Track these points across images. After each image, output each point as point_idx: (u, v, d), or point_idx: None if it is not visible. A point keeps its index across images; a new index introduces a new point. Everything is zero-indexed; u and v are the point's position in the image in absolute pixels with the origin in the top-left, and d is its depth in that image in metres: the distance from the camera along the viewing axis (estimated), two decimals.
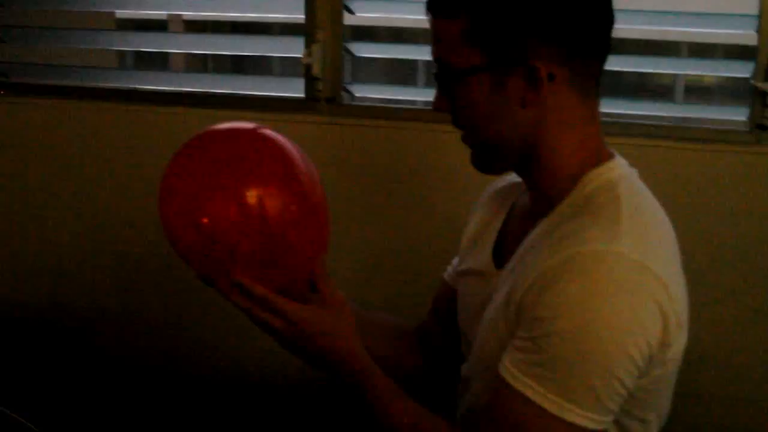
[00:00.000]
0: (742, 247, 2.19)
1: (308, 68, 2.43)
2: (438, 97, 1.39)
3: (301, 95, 2.50)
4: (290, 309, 1.32)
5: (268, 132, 1.45)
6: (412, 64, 11.06)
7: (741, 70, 2.27)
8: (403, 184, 2.42)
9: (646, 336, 1.20)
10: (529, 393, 1.21)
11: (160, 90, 2.70)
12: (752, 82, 2.19)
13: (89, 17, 3.46)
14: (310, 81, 2.46)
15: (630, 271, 1.19)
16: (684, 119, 2.49)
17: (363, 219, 2.45)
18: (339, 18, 2.43)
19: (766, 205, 2.19)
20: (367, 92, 2.56)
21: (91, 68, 2.89)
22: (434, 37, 1.34)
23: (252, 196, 1.34)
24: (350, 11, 2.44)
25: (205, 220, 1.34)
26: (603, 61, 1.35)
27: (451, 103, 1.36)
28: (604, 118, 1.41)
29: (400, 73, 11.22)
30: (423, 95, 2.50)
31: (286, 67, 10.88)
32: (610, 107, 2.22)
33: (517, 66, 1.27)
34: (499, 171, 1.49)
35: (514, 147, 1.35)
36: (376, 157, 2.43)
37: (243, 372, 2.66)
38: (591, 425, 1.20)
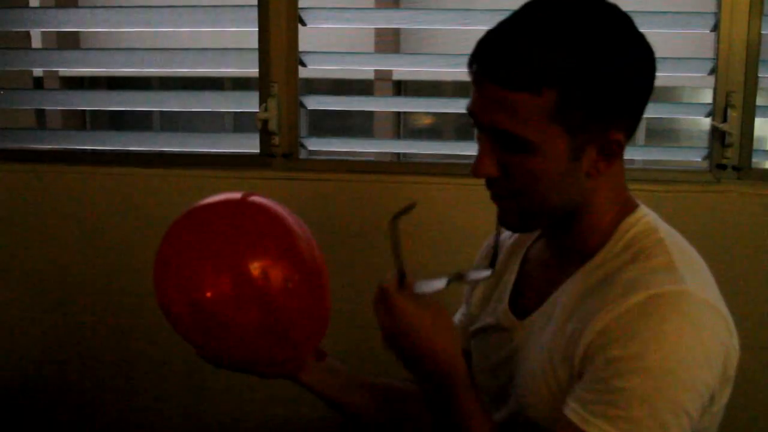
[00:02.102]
0: None
1: (264, 123, 2.40)
2: (487, 164, 1.29)
3: (256, 151, 2.47)
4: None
5: (259, 199, 1.44)
6: (367, 114, 11.18)
7: (698, 112, 2.29)
8: (364, 237, 2.40)
9: (713, 372, 1.22)
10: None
11: (108, 150, 2.65)
12: (712, 122, 2.20)
13: (4, 77, 3.40)
14: (266, 136, 2.43)
15: (700, 309, 1.21)
16: (645, 161, 2.50)
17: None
18: (294, 72, 2.41)
19: (727, 242, 2.24)
20: (323, 146, 2.53)
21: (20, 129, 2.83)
22: (498, 106, 1.23)
23: (251, 269, 1.32)
24: (303, 64, 2.41)
25: (209, 295, 1.31)
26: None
27: (507, 171, 1.29)
28: None
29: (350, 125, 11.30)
30: (379, 146, 2.48)
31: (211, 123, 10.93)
32: None
33: (597, 139, 1.26)
34: (533, 230, 1.47)
35: (561, 209, 1.33)
36: (336, 210, 2.41)
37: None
38: None
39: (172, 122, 11.90)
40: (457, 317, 1.71)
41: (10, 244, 2.65)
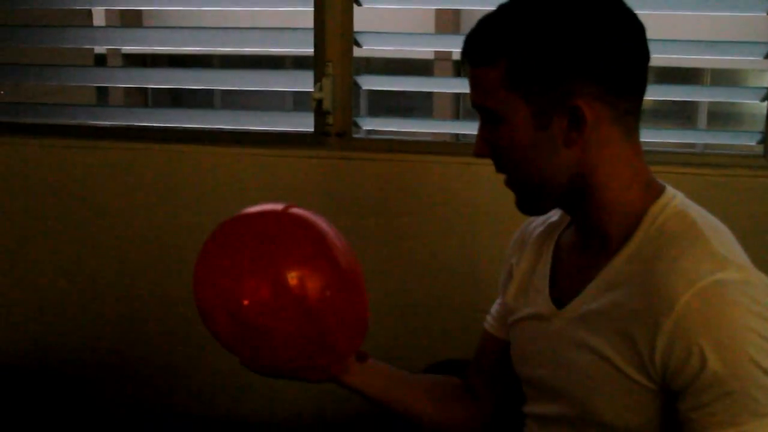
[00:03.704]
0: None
1: (318, 103, 2.42)
2: (480, 143, 1.39)
3: (310, 130, 2.49)
4: None
5: (299, 211, 1.47)
6: (427, 94, 11.13)
7: (754, 96, 2.27)
8: (416, 216, 2.40)
9: None
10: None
11: (169, 127, 2.69)
12: None
13: (68, 54, 3.45)
14: (320, 116, 2.45)
15: (750, 288, 1.21)
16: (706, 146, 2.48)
17: (376, 253, 2.43)
18: (349, 51, 2.42)
19: None
20: (377, 125, 2.54)
21: (96, 106, 2.88)
22: (473, 84, 1.35)
23: (289, 278, 1.36)
24: (358, 44, 2.43)
25: (246, 302, 1.35)
26: (641, 96, 1.36)
27: (494, 148, 1.37)
28: None
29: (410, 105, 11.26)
30: (436, 127, 2.48)
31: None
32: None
33: (560, 107, 1.28)
34: (545, 211, 1.48)
35: (560, 186, 1.35)
36: (388, 190, 2.41)
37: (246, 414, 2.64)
38: None
39: (234, 102, 11.98)
40: (494, 308, 1.73)
41: (68, 218, 2.70)
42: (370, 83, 2.49)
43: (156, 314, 2.64)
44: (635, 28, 1.32)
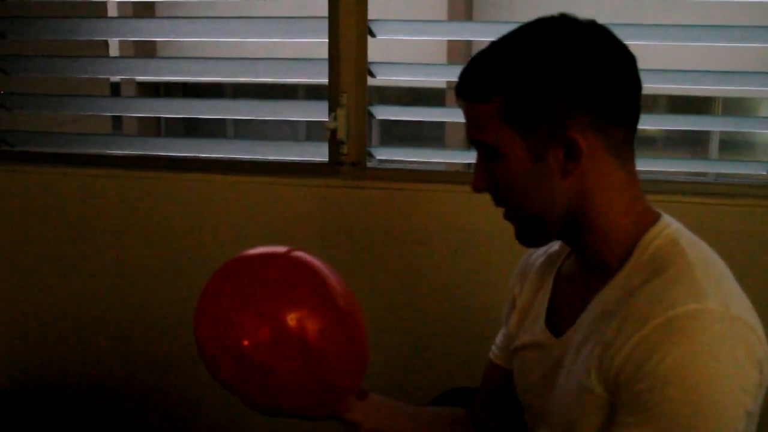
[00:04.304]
0: None
1: (333, 132, 2.44)
2: (478, 178, 1.41)
3: (325, 159, 2.51)
4: None
5: (301, 254, 1.51)
6: (439, 124, 11.16)
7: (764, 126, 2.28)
8: (429, 245, 2.41)
9: (751, 383, 1.21)
10: None
11: (181, 156, 2.72)
12: None
13: (84, 84, 3.48)
14: (335, 145, 2.47)
15: (724, 325, 1.21)
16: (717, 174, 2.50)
17: (388, 281, 2.44)
18: (363, 82, 2.44)
19: None
20: (391, 155, 2.56)
21: (105, 135, 2.91)
22: (469, 119, 1.38)
23: (289, 319, 1.39)
24: (372, 75, 2.45)
25: (246, 343, 1.38)
26: (635, 125, 1.37)
27: (492, 182, 1.39)
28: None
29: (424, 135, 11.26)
30: (449, 157, 2.49)
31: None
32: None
33: (555, 139, 1.30)
34: (544, 243, 1.50)
35: (558, 217, 1.37)
36: (402, 219, 2.43)
37: None
38: None
39: (246, 130, 12.02)
40: (499, 338, 1.75)
41: (83, 245, 2.73)
42: (384, 113, 2.50)
43: (178, 342, 2.66)
44: (626, 58, 1.34)
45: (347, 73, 2.43)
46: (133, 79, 12.11)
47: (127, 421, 2.78)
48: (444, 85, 10.84)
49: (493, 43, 1.36)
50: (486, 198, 1.43)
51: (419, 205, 2.41)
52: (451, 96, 11.21)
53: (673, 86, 2.31)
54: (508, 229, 1.45)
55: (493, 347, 1.76)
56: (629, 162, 1.37)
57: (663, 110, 9.74)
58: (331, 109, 2.45)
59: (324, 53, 2.46)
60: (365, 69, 2.43)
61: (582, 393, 1.34)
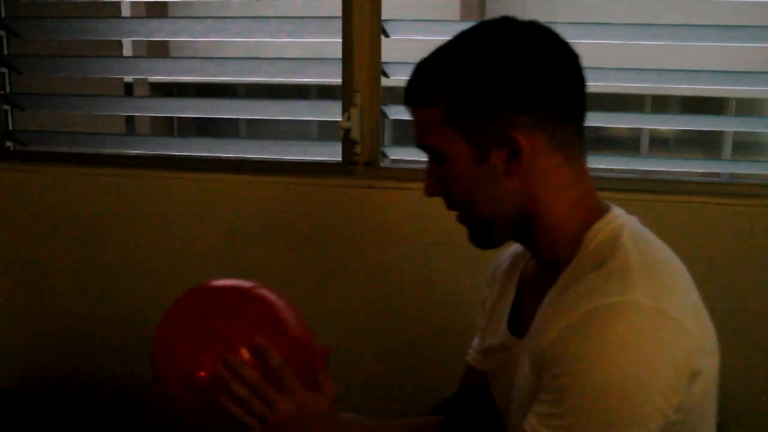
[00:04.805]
0: None
1: (346, 132, 2.44)
2: (429, 182, 1.43)
3: (338, 159, 2.51)
4: (301, 390, 1.39)
5: (262, 291, 1.52)
6: None
7: None
8: (443, 246, 2.41)
9: (668, 379, 1.21)
10: None
11: (194, 156, 2.72)
12: None
13: (98, 84, 3.50)
14: (348, 145, 2.47)
15: (646, 318, 1.21)
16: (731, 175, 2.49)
17: (402, 282, 2.44)
18: (377, 82, 2.44)
19: None
20: (404, 155, 2.55)
21: (116, 135, 2.93)
22: (416, 125, 1.39)
23: (244, 352, 1.39)
24: (386, 75, 2.45)
25: (202, 374, 1.38)
26: (581, 122, 1.38)
27: (442, 186, 1.41)
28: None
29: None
30: None
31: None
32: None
33: (497, 139, 1.32)
34: (498, 244, 1.48)
35: (508, 217, 1.38)
36: (416, 219, 2.43)
37: None
38: None
39: (258, 130, 12.03)
40: (475, 341, 1.75)
41: (94, 244, 2.74)
42: (398, 113, 2.50)
43: None
44: (567, 56, 1.36)
45: (361, 73, 2.43)
46: (145, 80, 12.14)
47: (132, 420, 2.78)
48: None
49: (436, 49, 1.38)
50: None
51: (432, 204, 2.41)
52: None
53: (687, 86, 2.30)
54: None
55: (470, 350, 1.76)
56: (578, 158, 1.38)
57: (676, 111, 9.72)
58: (345, 109, 2.45)
59: (337, 53, 2.46)
60: (379, 69, 2.43)
61: (529, 392, 1.35)
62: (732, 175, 2.60)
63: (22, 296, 2.83)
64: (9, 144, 2.82)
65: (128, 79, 10.42)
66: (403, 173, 2.49)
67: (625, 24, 2.31)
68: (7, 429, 2.62)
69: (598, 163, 2.47)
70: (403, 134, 11.94)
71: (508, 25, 1.37)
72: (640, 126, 7.08)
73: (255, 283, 1.53)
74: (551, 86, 1.32)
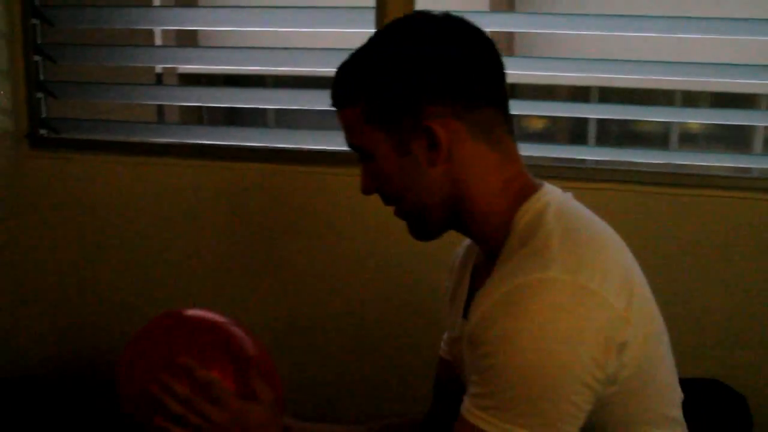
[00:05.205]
0: None
1: None
2: (363, 181, 1.47)
3: None
4: (234, 400, 1.46)
5: (237, 330, 1.60)
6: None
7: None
8: None
9: (591, 353, 1.23)
10: (481, 424, 1.26)
11: (223, 145, 2.74)
12: None
13: (129, 72, 3.51)
14: None
15: (564, 294, 1.23)
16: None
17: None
18: None
19: None
20: None
21: (141, 123, 2.94)
22: (342, 126, 1.44)
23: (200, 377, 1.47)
24: None
25: (154, 389, 1.46)
26: (501, 106, 1.42)
27: (375, 183, 1.45)
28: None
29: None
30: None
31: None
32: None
33: (415, 131, 1.36)
34: (435, 235, 1.51)
35: (438, 207, 1.42)
36: None
37: None
38: None
39: (286, 119, 12.03)
40: (445, 334, 1.76)
41: (127, 233, 2.77)
42: None
43: None
44: (479, 43, 1.39)
45: None
46: (175, 70, 12.16)
47: None
48: None
49: (354, 51, 1.43)
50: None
51: None
52: None
53: (717, 80, 2.29)
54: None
55: (442, 343, 1.78)
56: (503, 142, 1.41)
57: (707, 105, 9.66)
58: None
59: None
60: None
61: (469, 370, 1.37)
62: (762, 171, 2.59)
63: (56, 283, 2.86)
64: (43, 131, 2.85)
65: (158, 69, 10.44)
66: None
67: (657, 16, 2.31)
68: (47, 413, 2.64)
69: (628, 156, 2.46)
70: None
71: (416, 20, 1.43)
72: (671, 120, 7.02)
73: (230, 319, 1.62)
74: (462, 75, 1.36)
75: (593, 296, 1.23)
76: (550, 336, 1.21)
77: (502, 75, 1.41)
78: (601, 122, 9.93)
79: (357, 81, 1.40)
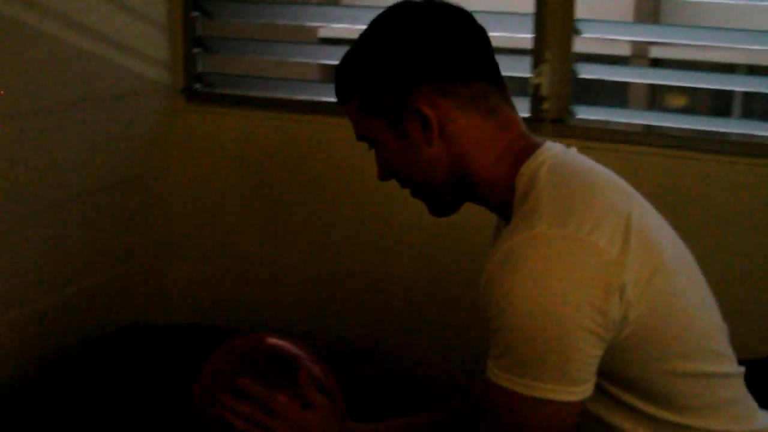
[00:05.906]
0: None
1: (536, 88, 2.42)
2: (378, 168, 1.54)
3: (526, 115, 2.47)
4: (292, 410, 1.51)
5: (305, 360, 1.62)
6: (620, 88, 10.89)
7: None
8: None
9: (589, 299, 1.25)
10: (504, 383, 1.30)
11: None
12: None
13: (292, 32, 3.54)
14: (537, 101, 2.45)
15: (550, 246, 1.27)
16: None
17: None
18: (568, 38, 2.41)
19: None
20: (592, 114, 2.51)
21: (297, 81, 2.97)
22: (350, 118, 1.52)
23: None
24: (577, 32, 2.41)
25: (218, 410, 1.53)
26: (491, 77, 1.46)
27: (388, 168, 1.52)
28: None
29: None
30: (653, 119, 2.43)
31: None
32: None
33: (407, 114, 1.42)
34: (452, 211, 1.56)
35: (446, 183, 1.48)
36: None
37: None
38: (559, 396, 1.28)
39: None
40: None
41: (277, 190, 2.81)
42: (588, 72, 2.46)
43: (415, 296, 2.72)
44: (458, 21, 1.46)
45: (553, 29, 2.40)
46: (315, 33, 12.26)
47: None
48: (628, 52, 10.59)
49: (349, 48, 1.51)
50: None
51: (617, 165, 2.36)
52: (634, 64, 10.96)
53: None
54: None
55: None
56: (498, 110, 1.45)
57: None
58: (536, 64, 2.42)
59: (529, 8, 2.43)
60: (571, 25, 2.40)
61: None
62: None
63: (206, 235, 2.93)
64: (197, 85, 2.89)
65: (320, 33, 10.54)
66: (590, 132, 2.46)
67: None
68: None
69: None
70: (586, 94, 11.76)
71: (396, 10, 1.48)
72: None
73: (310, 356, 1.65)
74: (440, 54, 1.42)
75: (582, 245, 1.26)
76: (544, 290, 1.25)
77: (487, 47, 1.47)
78: (747, 98, 9.62)
79: (348, 78, 1.49)
